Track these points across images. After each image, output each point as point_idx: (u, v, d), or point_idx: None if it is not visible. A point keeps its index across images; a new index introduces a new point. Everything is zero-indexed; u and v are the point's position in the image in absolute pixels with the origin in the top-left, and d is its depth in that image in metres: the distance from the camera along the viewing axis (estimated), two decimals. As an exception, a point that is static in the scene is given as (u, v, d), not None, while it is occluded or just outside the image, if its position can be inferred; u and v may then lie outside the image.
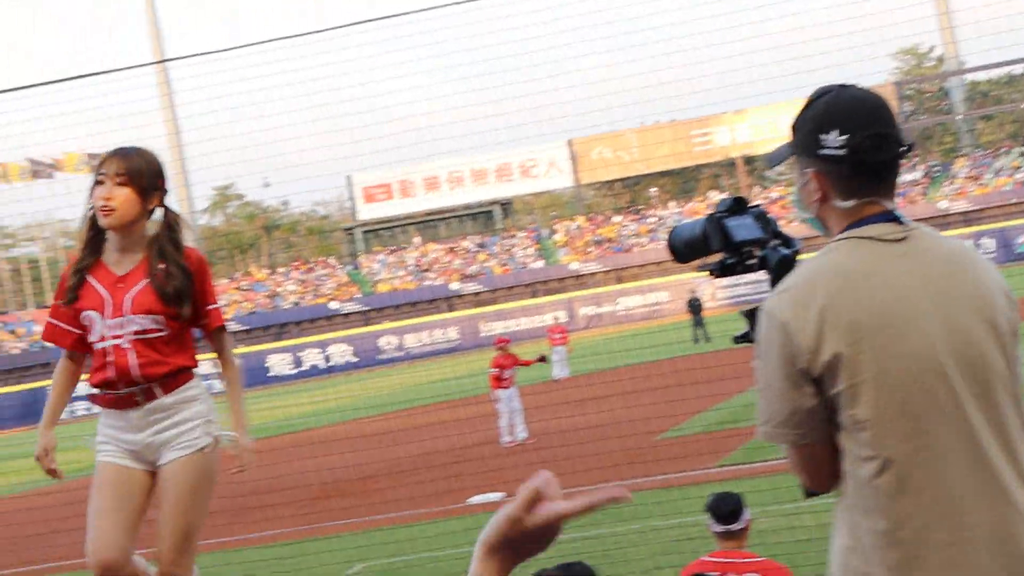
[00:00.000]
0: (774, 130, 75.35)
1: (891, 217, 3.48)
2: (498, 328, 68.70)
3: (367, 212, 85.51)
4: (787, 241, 3.70)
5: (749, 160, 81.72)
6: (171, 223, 6.03)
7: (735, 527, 8.25)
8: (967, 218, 69.63)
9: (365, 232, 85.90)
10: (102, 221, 5.86)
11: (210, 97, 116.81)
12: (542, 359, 28.39)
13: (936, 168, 78.77)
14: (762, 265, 3.65)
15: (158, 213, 6.01)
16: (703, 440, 21.73)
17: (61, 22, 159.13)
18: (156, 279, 5.85)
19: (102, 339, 5.86)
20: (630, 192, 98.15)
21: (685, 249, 3.76)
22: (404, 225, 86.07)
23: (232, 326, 73.37)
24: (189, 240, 6.04)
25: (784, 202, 72.70)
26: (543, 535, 2.21)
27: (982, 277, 3.49)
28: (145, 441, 5.79)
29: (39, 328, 44.48)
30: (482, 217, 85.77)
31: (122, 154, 5.94)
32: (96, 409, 6.02)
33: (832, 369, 3.34)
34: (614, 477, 20.75)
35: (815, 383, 3.36)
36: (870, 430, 3.35)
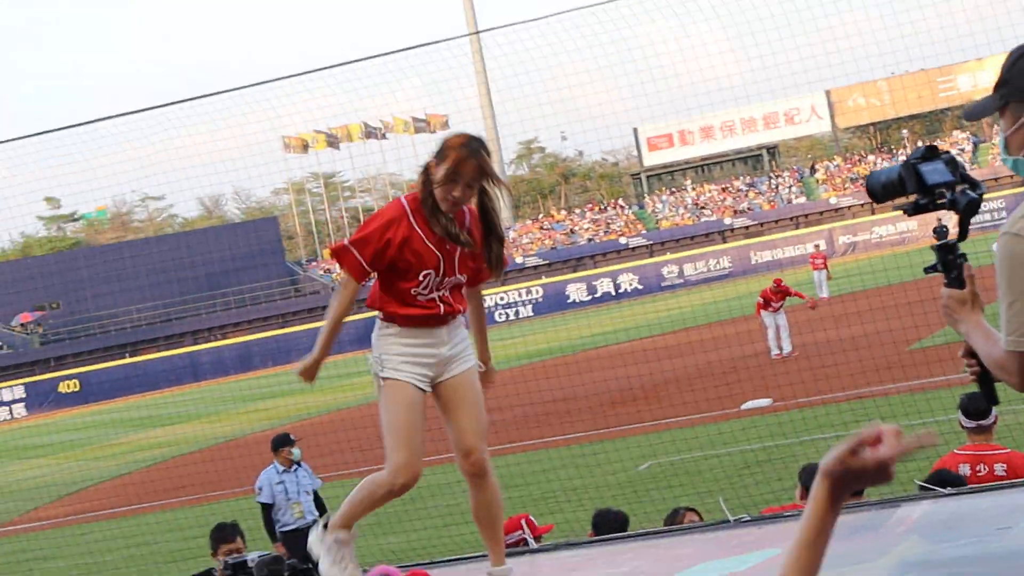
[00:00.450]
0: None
1: None
2: (766, 257, 67.96)
3: (651, 159, 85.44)
4: (974, 185, 3.67)
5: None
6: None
7: (985, 423, 8.10)
8: None
9: (649, 176, 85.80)
10: (444, 207, 5.50)
11: (513, 63, 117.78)
12: (813, 307, 28.05)
13: None
14: (952, 206, 3.63)
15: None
16: (949, 349, 21.15)
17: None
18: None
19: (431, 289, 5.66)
20: (882, 134, 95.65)
21: (882, 191, 3.76)
22: (683, 169, 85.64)
23: (536, 260, 74.38)
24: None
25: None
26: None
27: None
28: (446, 355, 5.70)
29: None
30: (751, 160, 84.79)
31: (481, 159, 5.52)
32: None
33: None
34: (873, 383, 20.39)
35: None
36: None
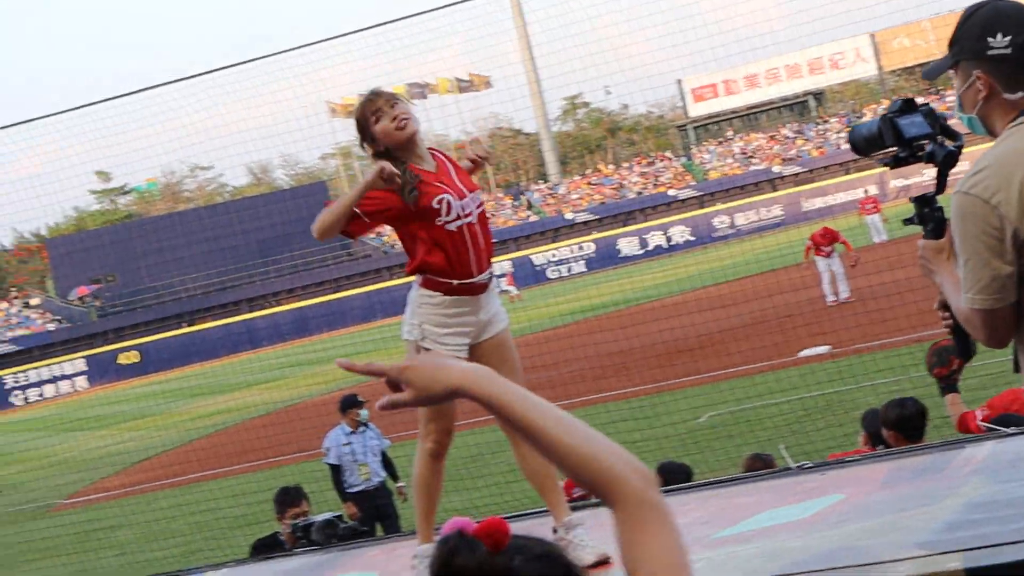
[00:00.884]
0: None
1: None
2: (818, 203, 67.51)
3: (696, 110, 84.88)
4: (952, 135, 3.72)
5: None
6: None
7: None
8: None
9: (695, 127, 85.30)
10: (397, 137, 5.78)
11: (553, 17, 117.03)
12: (854, 264, 27.75)
13: None
14: (930, 158, 3.66)
15: None
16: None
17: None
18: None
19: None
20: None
21: (863, 144, 3.82)
22: (729, 119, 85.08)
23: (586, 216, 74.27)
24: None
25: None
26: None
27: None
28: (484, 320, 5.70)
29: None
30: (798, 107, 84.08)
31: (375, 91, 5.94)
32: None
33: None
34: (931, 325, 20.22)
35: (1017, 250, 3.32)
36: None
